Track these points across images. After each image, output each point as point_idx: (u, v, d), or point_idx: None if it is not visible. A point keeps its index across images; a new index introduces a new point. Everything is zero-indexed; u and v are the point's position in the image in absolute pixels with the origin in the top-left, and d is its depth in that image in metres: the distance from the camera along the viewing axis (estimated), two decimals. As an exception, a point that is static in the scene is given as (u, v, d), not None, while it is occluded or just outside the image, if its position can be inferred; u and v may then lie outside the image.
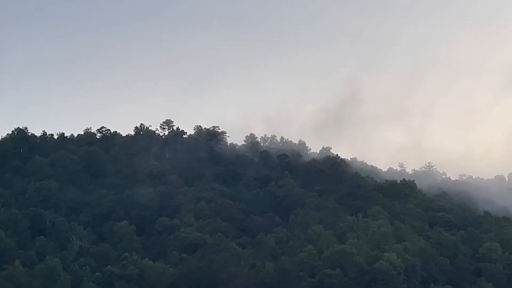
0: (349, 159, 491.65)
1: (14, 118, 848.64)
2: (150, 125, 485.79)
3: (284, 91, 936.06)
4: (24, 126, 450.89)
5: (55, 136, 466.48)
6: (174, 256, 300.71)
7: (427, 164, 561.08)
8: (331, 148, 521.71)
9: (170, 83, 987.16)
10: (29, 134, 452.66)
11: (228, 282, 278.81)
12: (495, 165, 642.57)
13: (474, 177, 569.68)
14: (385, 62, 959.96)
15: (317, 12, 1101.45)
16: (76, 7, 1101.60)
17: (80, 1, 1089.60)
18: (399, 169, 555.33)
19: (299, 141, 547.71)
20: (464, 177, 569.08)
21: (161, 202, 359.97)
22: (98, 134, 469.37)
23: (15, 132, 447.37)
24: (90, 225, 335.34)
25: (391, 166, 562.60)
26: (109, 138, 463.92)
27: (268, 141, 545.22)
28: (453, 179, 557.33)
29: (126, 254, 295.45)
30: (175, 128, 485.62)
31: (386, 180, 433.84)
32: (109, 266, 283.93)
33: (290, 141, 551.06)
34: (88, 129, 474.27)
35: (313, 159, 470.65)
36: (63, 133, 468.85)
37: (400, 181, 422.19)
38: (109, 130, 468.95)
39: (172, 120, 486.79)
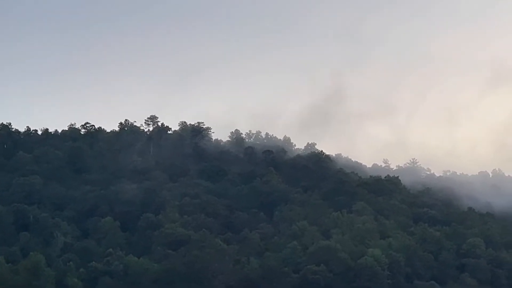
0: (333, 155, 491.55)
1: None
2: (135, 121, 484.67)
3: (270, 88, 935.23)
4: (8, 121, 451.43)
5: (39, 132, 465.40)
6: (158, 252, 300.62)
7: (412, 160, 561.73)
8: (316, 144, 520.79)
9: (155, 78, 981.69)
10: (13, 129, 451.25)
11: (213, 278, 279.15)
12: (479, 161, 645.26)
13: (458, 173, 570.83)
14: (370, 59, 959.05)
15: (303, 9, 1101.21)
16: (59, 3, 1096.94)
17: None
18: (383, 165, 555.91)
19: (284, 137, 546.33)
20: (448, 173, 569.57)
21: (146, 198, 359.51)
22: (83, 130, 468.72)
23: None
24: (74, 221, 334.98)
25: (375, 162, 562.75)
26: (94, 134, 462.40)
27: (253, 137, 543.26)
28: (437, 175, 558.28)
29: (111, 250, 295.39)
30: (159, 124, 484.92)
31: (370, 176, 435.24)
32: (93, 262, 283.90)
33: (275, 137, 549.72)
34: (72, 124, 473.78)
35: (298, 155, 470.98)
36: (47, 129, 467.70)
37: (385, 177, 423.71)
38: (93, 126, 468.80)
39: (157, 116, 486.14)
